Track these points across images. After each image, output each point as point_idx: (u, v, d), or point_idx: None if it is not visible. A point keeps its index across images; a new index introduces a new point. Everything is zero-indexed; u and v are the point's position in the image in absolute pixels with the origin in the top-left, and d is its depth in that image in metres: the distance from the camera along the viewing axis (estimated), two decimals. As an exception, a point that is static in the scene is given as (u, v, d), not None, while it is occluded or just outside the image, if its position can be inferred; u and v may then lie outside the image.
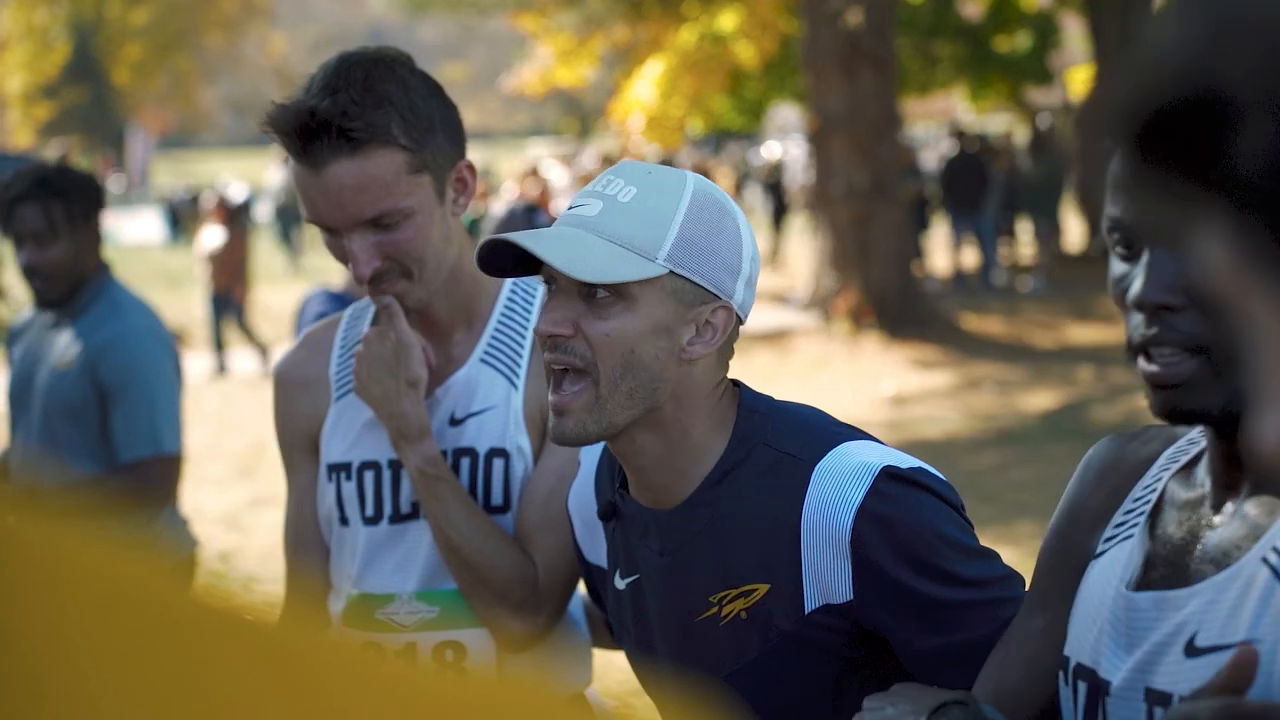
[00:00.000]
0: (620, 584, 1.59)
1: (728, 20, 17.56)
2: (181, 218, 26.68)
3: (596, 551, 1.66)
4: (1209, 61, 0.52)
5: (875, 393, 10.09)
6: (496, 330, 1.84)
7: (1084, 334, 12.40)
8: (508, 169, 18.50)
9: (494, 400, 1.81)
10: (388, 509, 1.83)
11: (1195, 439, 1.21)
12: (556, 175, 22.30)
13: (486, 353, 1.83)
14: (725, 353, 1.50)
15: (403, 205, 1.71)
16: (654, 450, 1.48)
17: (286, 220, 21.43)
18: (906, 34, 17.59)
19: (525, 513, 1.79)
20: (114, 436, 3.20)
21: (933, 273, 16.23)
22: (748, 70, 19.03)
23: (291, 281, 18.87)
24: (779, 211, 19.82)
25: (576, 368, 1.44)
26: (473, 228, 13.19)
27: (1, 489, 2.91)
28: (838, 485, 1.41)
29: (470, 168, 1.81)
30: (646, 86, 17.81)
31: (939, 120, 30.83)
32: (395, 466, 1.82)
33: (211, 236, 12.41)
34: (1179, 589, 1.11)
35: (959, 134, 17.01)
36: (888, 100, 12.60)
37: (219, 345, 12.20)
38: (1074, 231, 19.14)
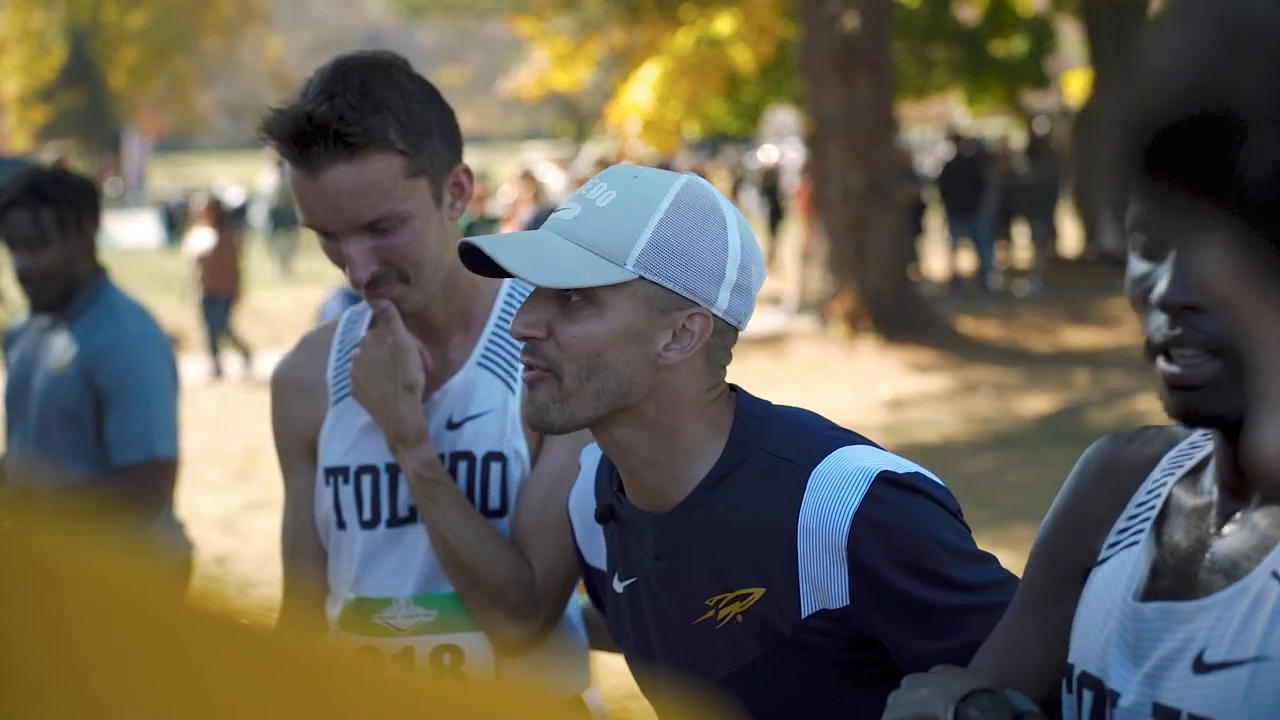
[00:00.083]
0: (618, 587, 1.59)
1: (724, 24, 17.58)
2: (178, 221, 26.66)
3: (597, 554, 1.66)
4: (1216, 76, 0.52)
5: (871, 396, 10.09)
6: (494, 334, 1.84)
7: (1080, 338, 12.41)
8: (505, 172, 18.47)
9: (491, 404, 1.81)
10: (385, 513, 1.83)
11: (1198, 443, 1.20)
12: (552, 179, 22.30)
13: (484, 356, 1.84)
14: (716, 358, 1.49)
15: (400, 210, 1.71)
16: (640, 450, 1.48)
17: (279, 224, 21.35)
18: (903, 38, 17.60)
19: (522, 516, 1.79)
20: (108, 440, 3.20)
21: (929, 276, 16.24)
22: (744, 74, 19.05)
23: (287, 286, 18.86)
24: (774, 215, 19.82)
25: (542, 368, 1.45)
26: (469, 231, 13.17)
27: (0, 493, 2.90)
28: (834, 490, 1.41)
29: (467, 172, 1.81)
30: (643, 90, 17.83)
31: (935, 124, 30.87)
32: (393, 470, 1.82)
33: (201, 239, 12.34)
34: (1187, 601, 1.10)
35: (955, 138, 17.02)
36: (884, 104, 12.61)
37: (214, 349, 12.18)
38: (1070, 235, 19.16)
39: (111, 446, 3.19)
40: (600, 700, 1.96)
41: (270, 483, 7.64)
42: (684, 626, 1.51)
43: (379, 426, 1.80)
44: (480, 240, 1.45)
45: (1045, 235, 16.22)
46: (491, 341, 1.84)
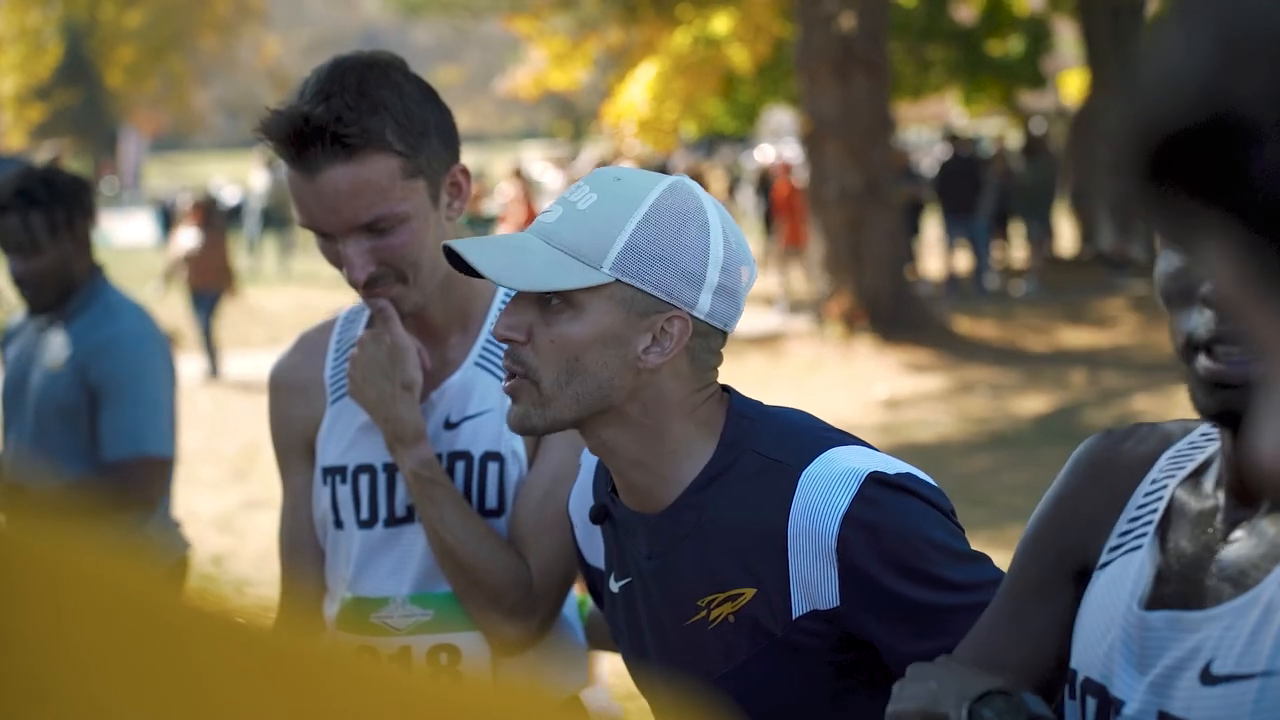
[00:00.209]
0: (614, 587, 1.60)
1: (721, 24, 17.57)
2: (174, 219, 26.60)
3: (596, 554, 1.66)
4: (1222, 81, 0.51)
5: (868, 396, 10.09)
6: (491, 334, 1.84)
7: (1076, 338, 12.42)
8: (501, 172, 18.46)
9: (489, 404, 1.81)
10: (383, 512, 1.83)
11: (1197, 443, 1.19)
12: (550, 178, 22.29)
13: (481, 356, 1.84)
14: (701, 360, 1.49)
15: (397, 210, 1.71)
16: (626, 450, 1.49)
17: (270, 224, 21.20)
18: (899, 38, 17.61)
19: (520, 516, 1.80)
20: (99, 437, 3.18)
21: (926, 276, 16.25)
22: (741, 73, 19.04)
23: (284, 285, 18.85)
24: (770, 215, 19.81)
25: (520, 375, 1.46)
26: (470, 227, 13.17)
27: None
28: (824, 491, 1.41)
29: (465, 172, 1.81)
30: (640, 89, 17.82)
31: (932, 124, 30.87)
32: (390, 470, 1.82)
33: (187, 238, 12.25)
34: (1194, 610, 1.09)
35: (952, 138, 17.02)
36: (881, 104, 12.61)
37: (210, 348, 12.12)
38: (1067, 236, 19.16)
39: (102, 443, 3.17)
40: (610, 699, 1.96)
41: (267, 482, 7.64)
42: (677, 626, 1.51)
43: (376, 426, 1.80)
44: (457, 243, 1.46)
45: (1042, 235, 16.22)
46: (489, 341, 1.84)
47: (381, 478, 1.83)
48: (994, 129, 26.26)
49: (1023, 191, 15.94)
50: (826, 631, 1.43)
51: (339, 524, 1.86)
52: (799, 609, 1.43)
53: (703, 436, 1.49)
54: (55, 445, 3.22)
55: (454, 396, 1.83)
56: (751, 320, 13.34)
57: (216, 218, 12.81)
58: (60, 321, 3.29)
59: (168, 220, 27.43)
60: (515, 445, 1.81)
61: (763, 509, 1.44)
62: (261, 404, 2.07)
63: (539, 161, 27.64)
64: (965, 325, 13.03)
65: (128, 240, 26.31)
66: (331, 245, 1.74)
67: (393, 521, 1.83)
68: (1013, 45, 21.08)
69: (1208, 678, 1.05)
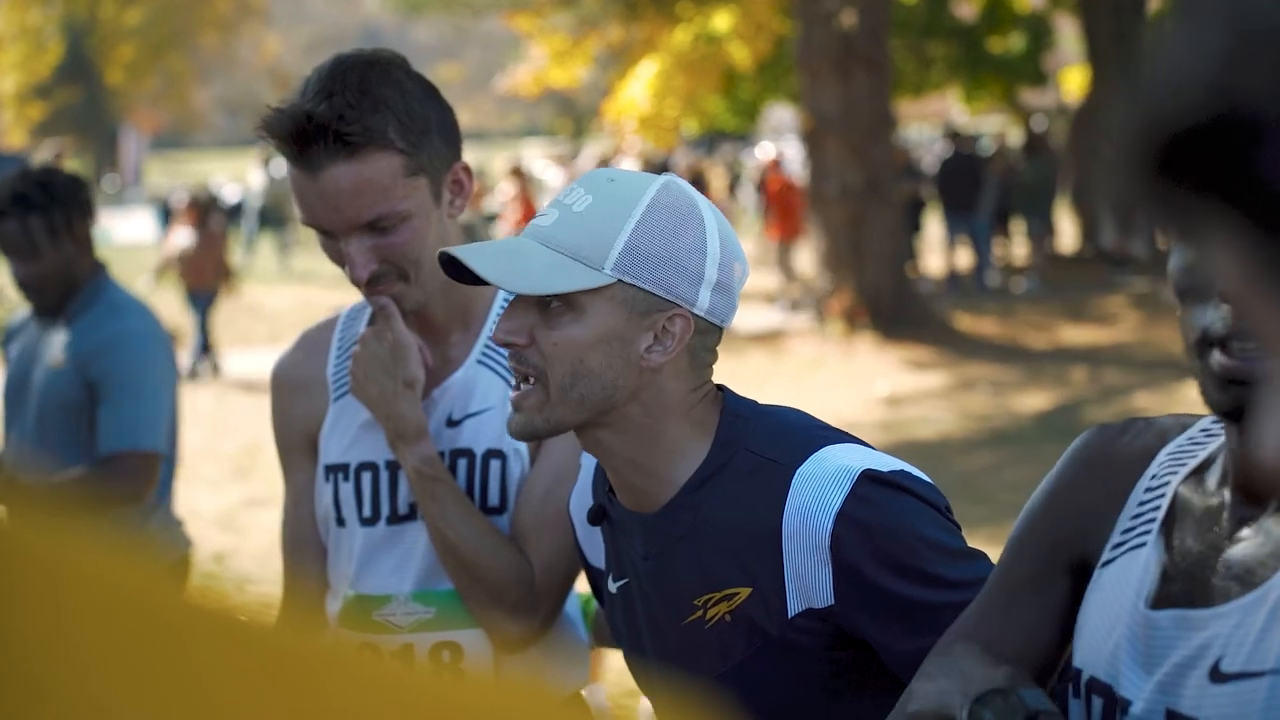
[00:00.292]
0: (612, 587, 1.60)
1: (722, 21, 17.57)
2: (174, 217, 26.55)
3: (598, 554, 1.67)
4: (1229, 79, 0.51)
5: (869, 393, 10.09)
6: (490, 338, 1.84)
7: (1077, 335, 12.42)
8: (502, 170, 18.46)
9: (491, 401, 1.81)
10: (385, 510, 1.83)
11: (1197, 439, 1.19)
12: (551, 176, 22.28)
13: (483, 354, 1.84)
14: (700, 358, 1.49)
15: (399, 208, 1.71)
16: (623, 451, 1.49)
17: (266, 222, 21.07)
18: (900, 35, 17.60)
19: (522, 513, 1.80)
20: (95, 431, 3.17)
21: (927, 273, 16.25)
22: (742, 71, 19.04)
23: (285, 283, 18.84)
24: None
25: (530, 376, 1.46)
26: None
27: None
28: (818, 490, 1.41)
29: (466, 169, 1.81)
30: (640, 87, 17.82)
31: (933, 121, 30.85)
32: (393, 468, 1.82)
33: (181, 237, 12.15)
34: (1201, 608, 1.09)
35: (954, 135, 17.02)
36: (882, 101, 12.61)
37: (206, 346, 12.05)
38: (1068, 233, 19.16)
39: (97, 437, 3.16)
40: (605, 699, 1.96)
41: (269, 480, 7.64)
42: (674, 626, 1.51)
43: (378, 423, 1.80)
44: (456, 249, 1.46)
45: (1043, 232, 16.22)
46: (491, 339, 1.84)
47: (384, 475, 1.83)
48: (995, 126, 26.27)
49: (1024, 188, 15.94)
50: (822, 630, 1.43)
51: (341, 522, 1.86)
52: (794, 608, 1.43)
53: (698, 436, 1.49)
54: (57, 443, 3.22)
55: (456, 394, 1.83)
56: (753, 318, 13.34)
57: (213, 217, 12.74)
58: (63, 320, 3.29)
59: (168, 217, 27.43)
60: (517, 443, 1.81)
61: (757, 508, 1.44)
62: (263, 402, 2.07)
63: (540, 159, 27.62)
64: (966, 322, 13.02)
65: (128, 238, 26.32)
66: (334, 243, 1.74)
67: (395, 519, 1.83)
68: (1014, 42, 21.07)
69: (1217, 676, 1.05)
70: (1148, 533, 1.16)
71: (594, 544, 1.67)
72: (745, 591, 1.45)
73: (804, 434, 1.48)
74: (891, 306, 12.20)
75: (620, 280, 1.43)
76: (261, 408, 2.21)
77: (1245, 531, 1.09)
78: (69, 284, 3.26)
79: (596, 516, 1.59)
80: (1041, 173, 16.16)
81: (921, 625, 1.39)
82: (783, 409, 1.54)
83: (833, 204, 12.37)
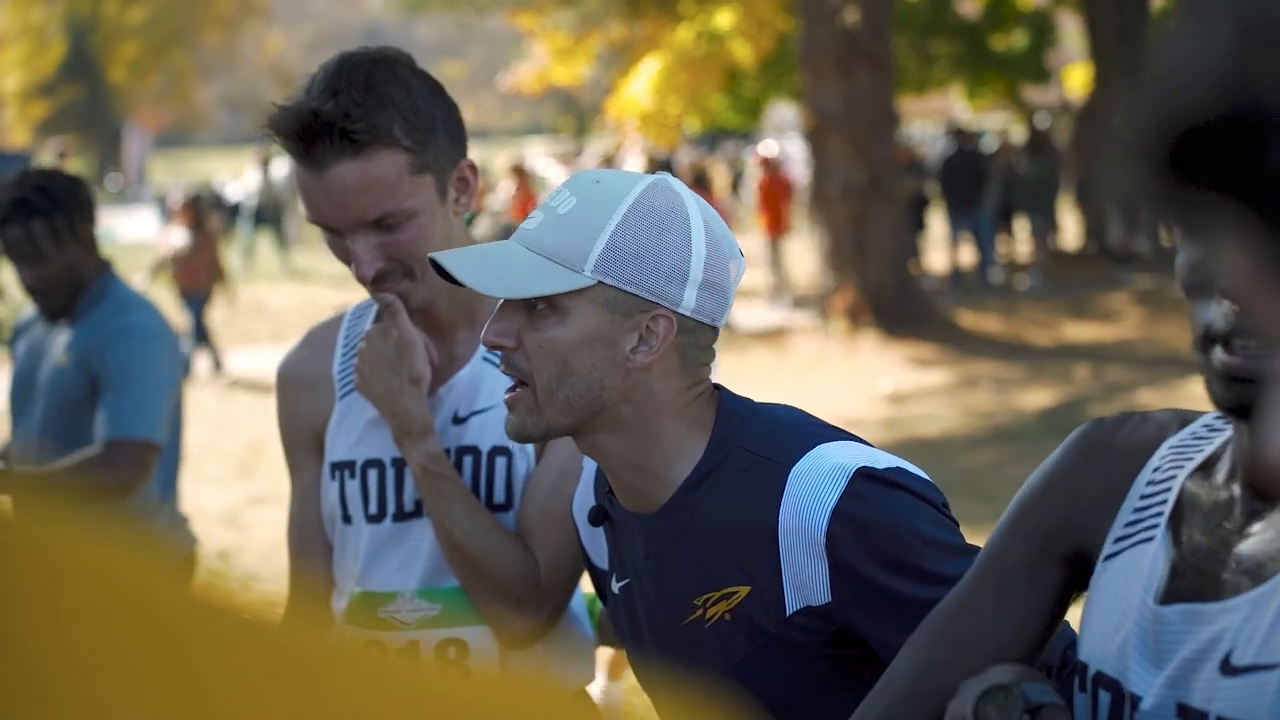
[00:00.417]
0: (615, 588, 1.60)
1: (724, 18, 17.55)
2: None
3: (600, 555, 1.67)
4: (1240, 73, 0.51)
5: (872, 391, 10.09)
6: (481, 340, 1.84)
7: (1081, 332, 12.41)
8: (504, 168, 18.45)
9: (497, 399, 1.82)
10: (391, 507, 1.83)
11: (1202, 434, 1.18)
12: (555, 174, 22.26)
13: (489, 351, 1.84)
14: (691, 357, 1.49)
15: (405, 206, 1.71)
16: (619, 452, 1.49)
17: (262, 221, 20.91)
18: (903, 32, 17.58)
19: (527, 510, 1.80)
20: (94, 422, 3.17)
21: (930, 271, 16.23)
22: (744, 69, 19.02)
23: (288, 281, 18.84)
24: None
25: (518, 379, 1.47)
26: (471, 223, 13.11)
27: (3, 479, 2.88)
28: (813, 488, 1.41)
29: (472, 167, 1.81)
30: (643, 85, 17.81)
31: (936, 119, 30.82)
32: (399, 465, 1.83)
33: (175, 237, 12.03)
34: (1210, 602, 1.08)
35: (957, 132, 17.01)
36: (885, 99, 12.60)
37: (202, 344, 11.97)
38: (1071, 230, 19.14)
39: (95, 426, 3.14)
40: (620, 695, 1.96)
41: (273, 478, 7.65)
42: (675, 626, 1.51)
43: (384, 420, 1.80)
44: (439, 254, 1.48)
45: (1046, 229, 16.20)
46: (482, 341, 1.84)
47: (390, 472, 1.83)
48: (998, 123, 26.23)
49: (1027, 186, 15.92)
50: (820, 627, 1.43)
51: (347, 519, 1.86)
52: (792, 606, 1.43)
53: (694, 435, 1.50)
54: (63, 440, 3.22)
55: (462, 391, 1.83)
56: (755, 315, 13.33)
57: (209, 217, 12.63)
58: (70, 319, 3.29)
59: (169, 216, 27.37)
60: (522, 440, 1.81)
61: (753, 507, 1.44)
62: (266, 400, 2.07)
63: (543, 157, 27.60)
64: (969, 320, 13.02)
65: (132, 236, 26.33)
66: (339, 241, 1.75)
67: (401, 516, 1.83)
68: (1017, 39, 21.05)
69: (1228, 668, 1.05)
70: (1154, 527, 1.16)
71: (597, 545, 1.67)
72: (744, 590, 1.46)
73: (800, 432, 1.48)
74: (895, 304, 12.19)
75: (601, 282, 1.44)
76: (265, 406, 2.21)
77: (1256, 526, 1.09)
78: (75, 285, 3.26)
79: (597, 517, 1.60)
80: (1044, 170, 16.14)
81: (919, 622, 1.39)
82: (779, 407, 1.55)
83: (835, 201, 12.36)
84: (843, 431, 1.51)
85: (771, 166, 15.53)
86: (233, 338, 13.52)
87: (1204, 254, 1.07)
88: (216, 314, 12.57)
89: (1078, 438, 1.26)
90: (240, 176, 29.48)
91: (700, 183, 16.29)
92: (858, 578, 1.40)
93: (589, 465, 1.66)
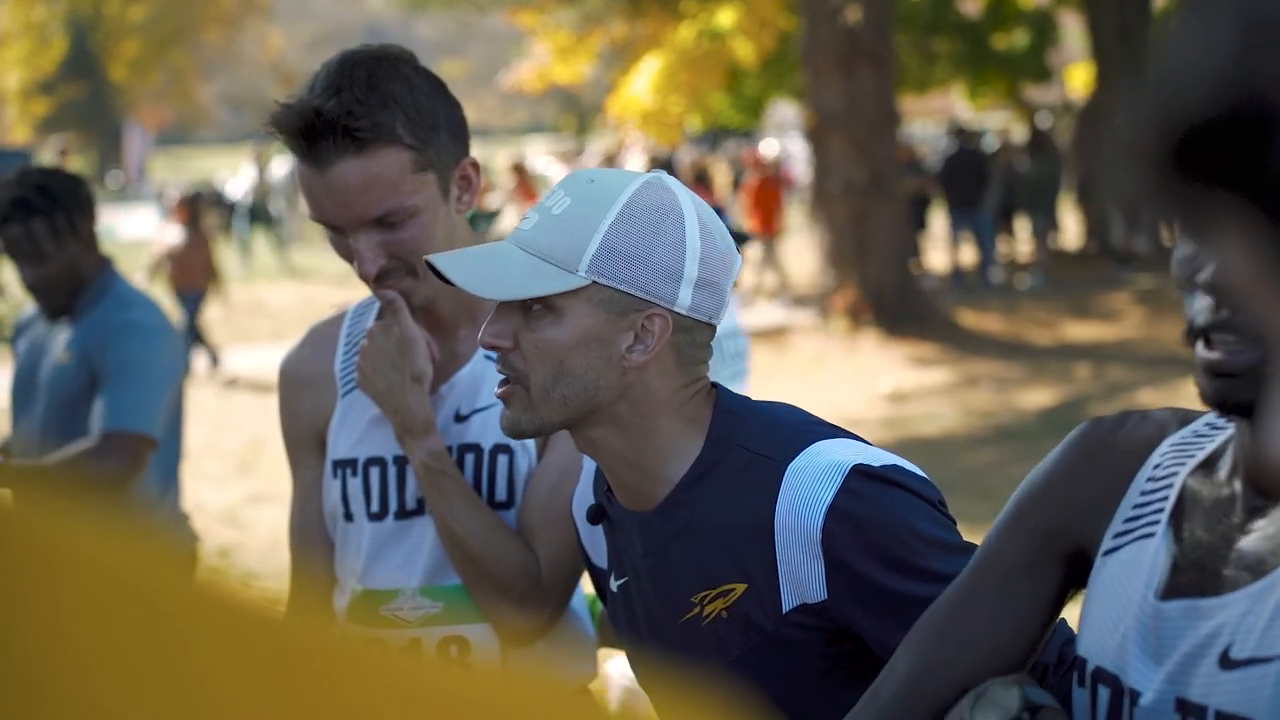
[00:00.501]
0: (614, 586, 1.61)
1: (726, 17, 17.55)
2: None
3: (600, 554, 1.67)
4: (1245, 71, 0.51)
5: (873, 390, 10.09)
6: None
7: (1082, 331, 12.40)
8: (504, 166, 18.44)
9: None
10: (393, 505, 1.84)
11: (1203, 432, 1.18)
12: (556, 173, 22.26)
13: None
14: (688, 355, 1.49)
15: (408, 204, 1.72)
16: (615, 449, 1.49)
17: (256, 219, 20.85)
18: (905, 31, 17.57)
19: (529, 508, 1.80)
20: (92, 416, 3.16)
21: (930, 270, 16.23)
22: (746, 67, 19.01)
23: (288, 280, 18.84)
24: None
25: (512, 379, 1.48)
26: (473, 221, 13.12)
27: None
28: (809, 485, 1.41)
29: (474, 165, 1.81)
30: (644, 83, 17.81)
31: (937, 118, 30.81)
32: (401, 463, 1.83)
33: (170, 234, 11.98)
34: (1210, 597, 1.08)
35: (959, 131, 17.01)
36: (886, 97, 12.59)
37: (199, 340, 11.92)
38: (1072, 229, 19.14)
39: (91, 419, 3.14)
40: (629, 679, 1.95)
41: (272, 476, 7.65)
42: (673, 623, 1.51)
43: (386, 417, 1.80)
44: (434, 257, 1.48)
45: (1047, 229, 16.20)
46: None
47: (392, 470, 1.84)
48: (999, 122, 26.22)
49: (1028, 185, 15.92)
50: (817, 625, 1.44)
51: (349, 517, 1.86)
52: (788, 603, 1.44)
53: (690, 433, 1.50)
54: (65, 438, 3.22)
55: (464, 389, 1.84)
56: (756, 315, 13.33)
57: (205, 215, 12.58)
58: (71, 316, 3.29)
59: (168, 214, 27.31)
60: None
61: (750, 504, 1.44)
62: (266, 399, 2.07)
63: (544, 156, 27.61)
64: (970, 319, 13.01)
65: (133, 234, 26.33)
66: (342, 239, 1.75)
67: (403, 514, 1.83)
68: (1018, 39, 21.03)
69: (1226, 662, 1.05)
70: (1155, 523, 1.16)
71: (597, 544, 1.67)
72: (740, 587, 1.46)
73: (796, 429, 1.48)
74: (895, 303, 12.19)
75: (596, 282, 1.44)
76: (265, 404, 2.21)
77: (1257, 523, 1.09)
78: (76, 283, 3.26)
79: (595, 516, 1.60)
80: (1045, 169, 16.14)
81: (915, 619, 1.39)
82: (777, 405, 1.55)
83: (836, 200, 12.36)
84: (840, 429, 1.51)
85: (763, 167, 15.52)
86: (232, 336, 13.51)
87: (1193, 249, 1.07)
88: (215, 313, 12.54)
89: (1078, 436, 1.26)
90: (241, 175, 29.47)
91: (701, 181, 16.29)
92: (854, 575, 1.40)
93: (589, 464, 1.66)
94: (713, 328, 1.51)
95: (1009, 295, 14.80)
